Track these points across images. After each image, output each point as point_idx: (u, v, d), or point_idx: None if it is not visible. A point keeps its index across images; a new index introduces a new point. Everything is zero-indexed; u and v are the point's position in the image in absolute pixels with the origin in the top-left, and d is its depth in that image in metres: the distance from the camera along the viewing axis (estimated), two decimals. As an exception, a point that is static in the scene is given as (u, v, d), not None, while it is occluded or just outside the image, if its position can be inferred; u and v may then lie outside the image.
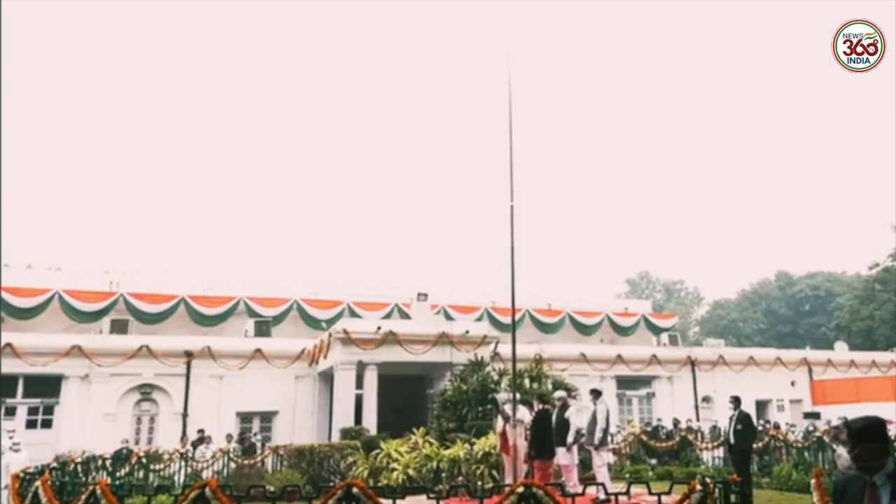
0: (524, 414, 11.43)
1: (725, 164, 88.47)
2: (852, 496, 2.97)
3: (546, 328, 29.53)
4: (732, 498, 5.76)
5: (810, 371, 29.37)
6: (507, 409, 11.23)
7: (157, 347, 21.02)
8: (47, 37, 71.90)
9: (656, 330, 32.36)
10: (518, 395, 11.56)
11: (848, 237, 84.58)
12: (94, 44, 74.25)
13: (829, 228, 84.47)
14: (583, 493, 7.83)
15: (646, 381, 26.83)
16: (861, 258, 75.97)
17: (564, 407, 11.42)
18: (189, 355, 21.34)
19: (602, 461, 10.88)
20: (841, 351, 32.98)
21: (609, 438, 12.36)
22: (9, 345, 19.30)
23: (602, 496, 8.39)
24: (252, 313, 25.41)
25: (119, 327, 22.33)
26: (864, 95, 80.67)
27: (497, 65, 10.64)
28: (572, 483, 10.22)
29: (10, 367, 19.09)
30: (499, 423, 11.70)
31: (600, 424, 10.86)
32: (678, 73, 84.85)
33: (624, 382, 26.36)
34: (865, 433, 2.98)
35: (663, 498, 5.90)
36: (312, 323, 26.20)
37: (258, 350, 22.03)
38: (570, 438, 10.91)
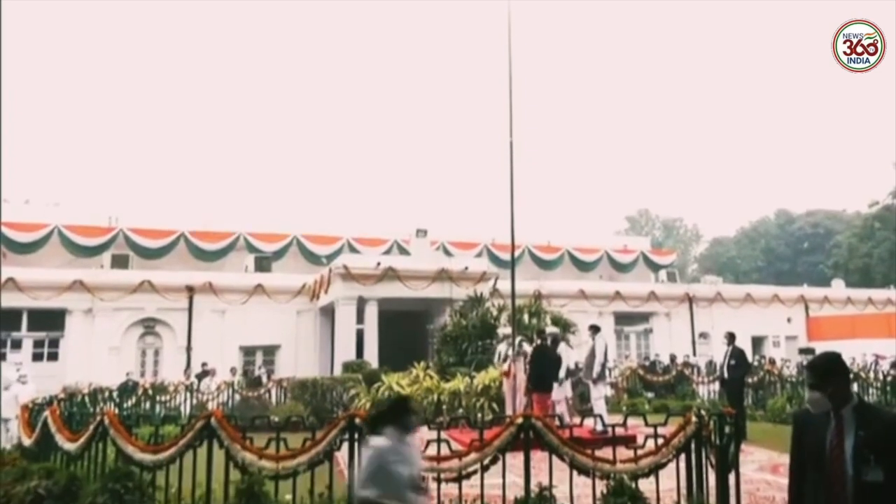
0: (526, 349, 11.61)
1: (727, 101, 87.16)
2: (815, 428, 2.99)
3: (545, 265, 29.66)
4: (727, 429, 5.85)
5: (807, 308, 29.63)
6: (506, 346, 11.61)
7: (159, 282, 21.15)
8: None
9: (655, 267, 32.51)
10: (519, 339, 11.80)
11: (848, 175, 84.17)
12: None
13: (829, 166, 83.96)
14: (580, 424, 8.00)
15: (644, 317, 27.12)
16: (861, 196, 75.66)
17: (556, 343, 11.56)
18: (191, 290, 21.49)
19: (599, 394, 11.07)
20: (838, 288, 33.22)
21: (607, 373, 12.56)
22: (11, 279, 19.41)
23: (599, 427, 8.58)
24: (252, 249, 25.48)
25: (120, 262, 22.42)
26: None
27: (498, 1, 10.33)
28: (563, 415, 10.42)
29: (14, 301, 19.25)
30: (500, 348, 12.58)
31: (598, 359, 11.00)
32: (679, 26, 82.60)
33: (622, 318, 26.65)
34: (831, 372, 3.02)
35: (659, 429, 6.00)
36: (312, 258, 26.28)
37: (259, 285, 22.19)
38: (562, 374, 11.10)
